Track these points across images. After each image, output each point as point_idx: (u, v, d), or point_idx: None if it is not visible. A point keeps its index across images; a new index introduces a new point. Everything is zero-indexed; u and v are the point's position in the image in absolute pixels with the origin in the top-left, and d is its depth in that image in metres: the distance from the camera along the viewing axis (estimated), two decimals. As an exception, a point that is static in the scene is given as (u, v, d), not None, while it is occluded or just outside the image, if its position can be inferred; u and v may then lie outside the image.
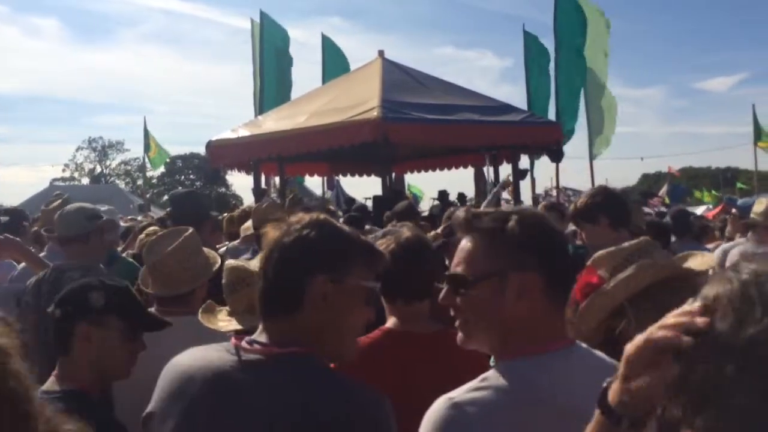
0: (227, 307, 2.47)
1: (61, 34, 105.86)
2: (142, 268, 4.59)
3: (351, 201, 11.30)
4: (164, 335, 2.22)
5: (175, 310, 2.70)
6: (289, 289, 1.44)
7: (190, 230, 3.00)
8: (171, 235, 2.96)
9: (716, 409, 0.79)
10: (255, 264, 2.23)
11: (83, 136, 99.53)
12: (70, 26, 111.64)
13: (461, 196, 13.37)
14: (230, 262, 2.57)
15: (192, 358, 1.51)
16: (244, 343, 1.46)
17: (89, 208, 3.73)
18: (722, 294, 0.84)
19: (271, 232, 1.51)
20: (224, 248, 5.36)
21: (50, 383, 2.06)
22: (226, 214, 6.64)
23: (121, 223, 6.20)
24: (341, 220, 5.93)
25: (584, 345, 1.50)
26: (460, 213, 1.53)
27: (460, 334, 1.49)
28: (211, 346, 1.53)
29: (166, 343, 1.95)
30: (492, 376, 1.38)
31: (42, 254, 4.49)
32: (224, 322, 2.40)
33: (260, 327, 1.50)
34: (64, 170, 63.62)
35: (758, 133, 22.12)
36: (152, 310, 2.77)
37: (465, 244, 1.50)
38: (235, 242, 5.93)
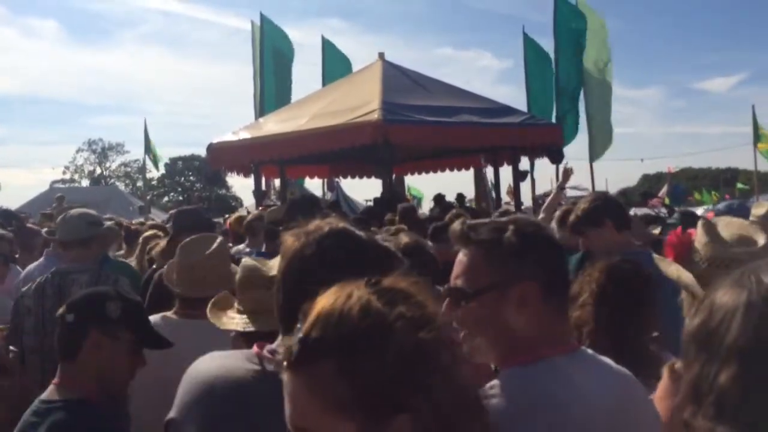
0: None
1: (59, 35, 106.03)
2: (135, 270, 4.64)
3: (335, 204, 11.06)
4: (186, 338, 2.21)
5: (197, 313, 2.69)
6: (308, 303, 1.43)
7: (221, 238, 3.09)
8: (205, 240, 3.03)
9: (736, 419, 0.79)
10: (272, 264, 2.22)
11: (82, 137, 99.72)
12: (68, 27, 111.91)
13: (460, 197, 13.35)
14: (246, 260, 2.59)
15: (214, 365, 1.50)
16: (266, 353, 1.46)
17: (92, 215, 3.77)
18: (739, 303, 0.84)
19: (289, 241, 1.48)
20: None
21: (50, 392, 2.04)
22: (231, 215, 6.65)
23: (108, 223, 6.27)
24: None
25: (589, 351, 1.50)
26: (457, 225, 1.52)
27: (464, 347, 1.48)
28: (233, 353, 1.52)
29: (188, 346, 1.94)
30: (499, 384, 1.37)
31: (40, 260, 4.51)
32: (228, 318, 2.40)
33: (280, 337, 1.48)
34: (64, 172, 63.70)
35: (758, 136, 22.12)
36: (171, 313, 2.83)
37: (463, 256, 1.50)
38: (240, 246, 5.93)
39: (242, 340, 1.99)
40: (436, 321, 0.96)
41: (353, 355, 0.89)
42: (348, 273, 1.41)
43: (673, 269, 2.24)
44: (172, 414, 1.52)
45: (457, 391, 0.96)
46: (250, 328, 1.99)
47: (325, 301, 0.95)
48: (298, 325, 0.95)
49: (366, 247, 1.47)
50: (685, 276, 2.19)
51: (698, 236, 2.20)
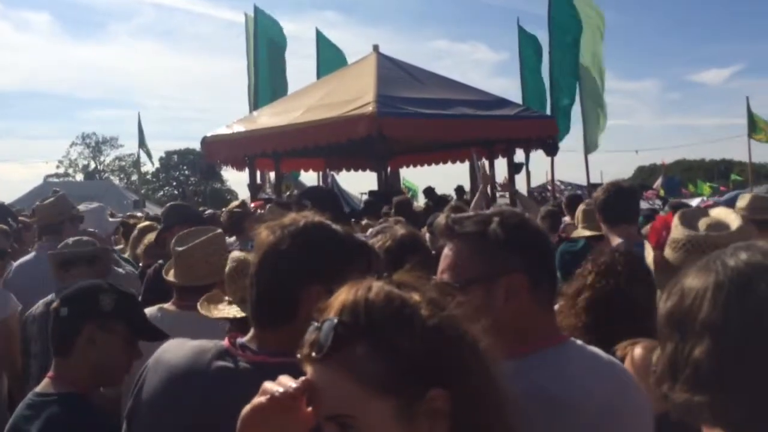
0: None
1: (52, 28, 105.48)
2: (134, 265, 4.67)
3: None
4: (184, 329, 2.21)
5: (193, 304, 2.74)
6: (282, 300, 1.39)
7: (219, 230, 3.14)
8: (201, 231, 3.09)
9: (720, 387, 0.87)
10: None
11: (75, 131, 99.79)
12: (61, 21, 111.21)
13: (459, 190, 13.34)
14: (235, 252, 2.60)
15: (184, 357, 1.46)
16: (238, 350, 1.43)
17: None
18: (708, 285, 0.91)
19: (264, 234, 1.45)
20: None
21: (45, 385, 2.04)
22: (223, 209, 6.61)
23: (110, 219, 6.26)
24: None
25: (578, 341, 1.51)
26: (441, 219, 1.52)
27: None
28: (203, 345, 1.48)
29: (186, 338, 1.94)
30: None
31: (31, 255, 4.49)
32: (218, 310, 2.42)
33: (252, 332, 1.46)
34: (57, 166, 63.45)
35: (752, 126, 22.16)
36: (169, 304, 2.85)
37: (449, 250, 1.49)
38: (230, 239, 5.89)
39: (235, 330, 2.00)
40: (451, 305, 1.02)
41: (385, 334, 0.95)
42: (324, 267, 1.39)
43: (647, 252, 2.28)
44: (134, 403, 1.48)
45: (486, 366, 1.01)
46: (242, 314, 1.99)
47: (345, 294, 1.00)
48: (316, 323, 0.99)
49: (343, 246, 1.44)
50: (650, 258, 2.24)
51: (674, 223, 2.23)
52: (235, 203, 6.32)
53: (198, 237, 2.99)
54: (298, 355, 1.00)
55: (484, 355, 1.01)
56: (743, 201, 4.22)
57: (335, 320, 0.96)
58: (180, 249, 2.93)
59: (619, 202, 3.46)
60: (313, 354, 0.96)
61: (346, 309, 0.98)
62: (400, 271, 1.07)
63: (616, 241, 3.35)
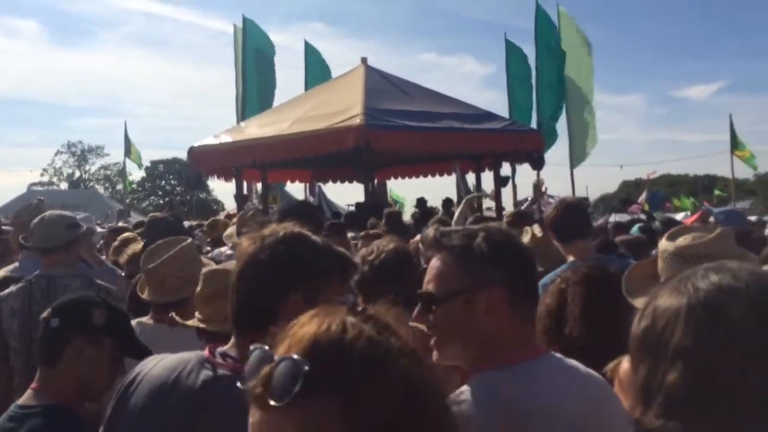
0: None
1: (40, 35, 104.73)
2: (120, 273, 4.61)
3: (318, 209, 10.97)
4: (158, 345, 2.20)
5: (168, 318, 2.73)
6: (262, 308, 1.42)
7: (188, 240, 3.06)
8: (169, 243, 3.01)
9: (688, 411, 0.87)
10: None
11: (61, 139, 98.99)
12: (49, 28, 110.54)
13: (447, 202, 13.39)
14: (206, 272, 2.40)
15: (165, 368, 1.48)
16: (218, 358, 1.45)
17: (68, 217, 3.71)
18: (680, 309, 0.91)
19: (245, 245, 1.48)
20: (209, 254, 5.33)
21: (28, 397, 2.02)
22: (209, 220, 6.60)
23: (98, 229, 6.20)
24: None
25: (558, 354, 1.54)
26: (430, 231, 1.59)
27: (434, 352, 1.51)
28: (183, 357, 1.49)
29: (164, 351, 1.94)
30: (467, 390, 1.40)
31: (15, 265, 4.43)
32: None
33: (232, 340, 1.48)
34: (42, 174, 62.82)
35: (735, 143, 22.51)
36: (148, 318, 2.83)
37: (435, 262, 1.54)
38: (222, 248, 5.88)
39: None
40: (418, 352, 0.90)
41: (360, 388, 0.79)
42: (302, 277, 1.42)
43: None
44: (113, 411, 1.49)
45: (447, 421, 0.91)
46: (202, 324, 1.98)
47: (314, 328, 0.83)
48: (268, 353, 0.82)
49: (321, 256, 1.48)
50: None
51: (661, 241, 2.33)
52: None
53: (166, 251, 2.92)
54: (242, 387, 0.83)
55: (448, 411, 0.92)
56: None
57: (305, 364, 0.78)
58: (148, 267, 2.89)
59: (568, 219, 3.41)
60: (270, 400, 0.78)
61: (318, 351, 0.80)
62: (377, 305, 0.92)
63: (570, 257, 3.33)
